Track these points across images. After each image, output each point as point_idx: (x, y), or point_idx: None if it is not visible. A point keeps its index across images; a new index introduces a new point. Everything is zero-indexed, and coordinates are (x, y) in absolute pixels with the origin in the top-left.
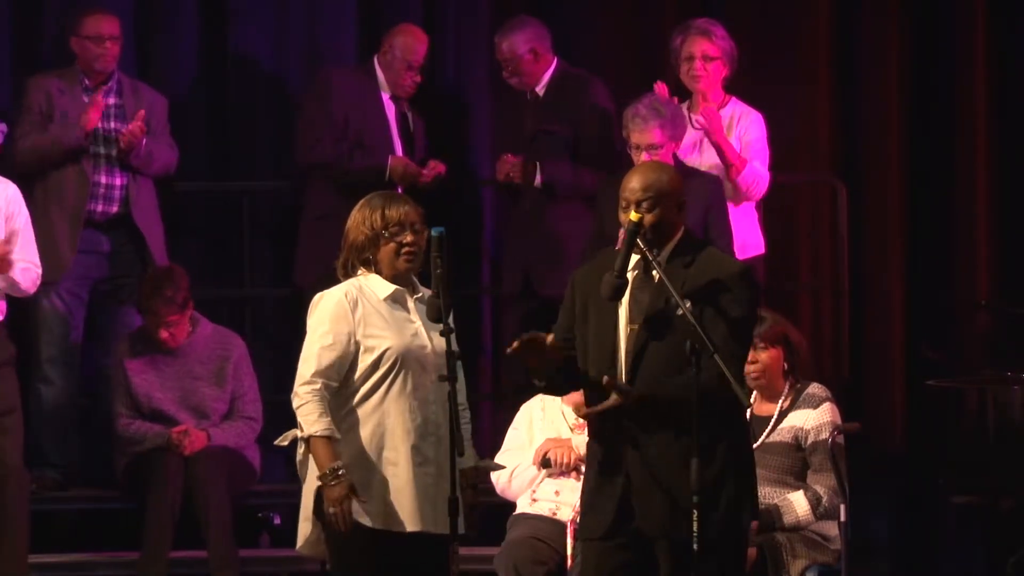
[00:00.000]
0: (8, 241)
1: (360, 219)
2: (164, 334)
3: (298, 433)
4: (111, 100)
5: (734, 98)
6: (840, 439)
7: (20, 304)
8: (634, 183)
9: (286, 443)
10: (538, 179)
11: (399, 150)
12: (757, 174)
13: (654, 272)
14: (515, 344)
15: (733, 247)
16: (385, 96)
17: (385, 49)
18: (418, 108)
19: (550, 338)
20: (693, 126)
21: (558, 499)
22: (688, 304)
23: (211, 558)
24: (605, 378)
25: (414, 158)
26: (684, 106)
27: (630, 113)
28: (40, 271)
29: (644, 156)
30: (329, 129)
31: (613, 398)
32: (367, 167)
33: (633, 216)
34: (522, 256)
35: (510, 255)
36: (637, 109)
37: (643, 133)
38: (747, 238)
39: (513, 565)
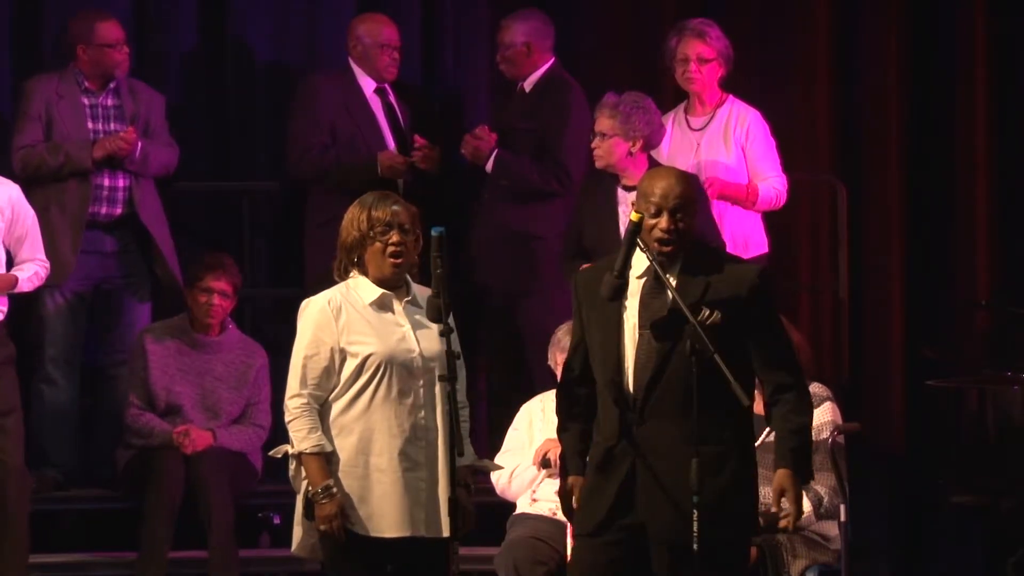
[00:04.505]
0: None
1: (349, 219)
2: (203, 299)
3: (289, 449)
4: (109, 101)
5: (731, 96)
6: (840, 439)
7: (22, 304)
8: (665, 189)
9: (279, 455)
10: (489, 164)
11: (391, 145)
12: (769, 195)
13: (668, 277)
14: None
15: (713, 234)
16: (368, 93)
17: (353, 43)
18: (407, 100)
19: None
20: (691, 127)
21: (558, 499)
22: (705, 313)
23: (211, 558)
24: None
25: (407, 151)
26: (681, 108)
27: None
28: (48, 265)
29: (594, 141)
30: (317, 138)
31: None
32: (358, 165)
33: (634, 216)
34: (485, 252)
35: (474, 249)
36: (605, 98)
37: (596, 119)
38: (751, 237)
39: (513, 565)
